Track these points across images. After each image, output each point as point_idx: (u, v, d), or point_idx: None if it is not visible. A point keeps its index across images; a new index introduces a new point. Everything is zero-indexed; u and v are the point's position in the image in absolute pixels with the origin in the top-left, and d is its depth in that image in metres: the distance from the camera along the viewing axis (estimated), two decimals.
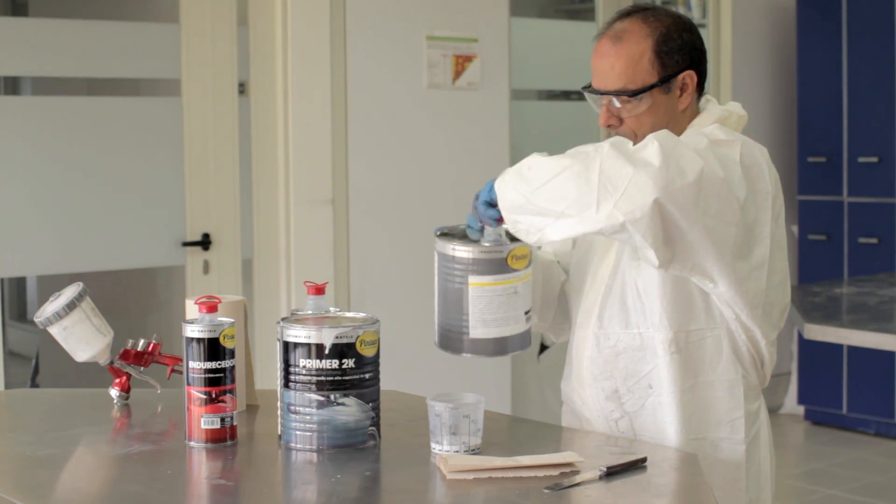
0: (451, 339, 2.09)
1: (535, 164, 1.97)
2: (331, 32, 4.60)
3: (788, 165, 6.19)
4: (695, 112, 2.19)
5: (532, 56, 5.45)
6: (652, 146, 1.92)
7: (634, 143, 2.10)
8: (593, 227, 1.92)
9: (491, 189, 2.01)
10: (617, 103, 2.13)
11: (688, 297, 2.10)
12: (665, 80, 2.12)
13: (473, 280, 2.04)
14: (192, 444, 2.03)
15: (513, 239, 2.06)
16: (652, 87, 2.11)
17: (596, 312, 2.17)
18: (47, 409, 2.46)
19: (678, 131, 2.14)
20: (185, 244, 4.45)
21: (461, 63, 4.93)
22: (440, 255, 2.08)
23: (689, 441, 2.11)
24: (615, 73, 2.12)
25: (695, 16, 6.54)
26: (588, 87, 2.18)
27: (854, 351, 5.65)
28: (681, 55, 2.14)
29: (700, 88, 2.20)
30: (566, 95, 6.45)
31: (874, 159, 5.72)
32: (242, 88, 4.56)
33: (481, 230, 2.06)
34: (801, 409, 6.08)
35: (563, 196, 1.92)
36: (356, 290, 4.69)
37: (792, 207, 6.11)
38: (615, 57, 2.12)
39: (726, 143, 2.02)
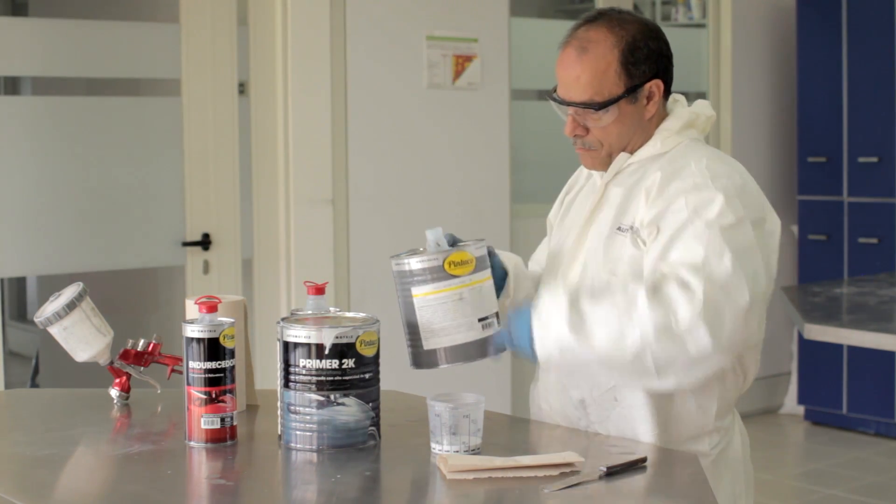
0: (414, 356, 2.09)
1: (570, 348, 1.98)
2: (331, 32, 4.60)
3: (788, 165, 6.19)
4: (662, 116, 2.18)
5: (532, 56, 5.45)
6: (698, 330, 1.93)
7: (600, 151, 2.13)
8: (655, 391, 2.04)
9: (524, 335, 2.03)
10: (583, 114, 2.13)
11: None
12: (631, 91, 2.11)
13: (416, 291, 2.04)
14: (192, 444, 2.03)
15: (454, 244, 2.07)
16: (618, 98, 2.10)
17: None
18: (47, 409, 2.46)
19: (645, 138, 2.14)
20: (185, 244, 4.45)
21: (461, 63, 4.93)
22: (393, 275, 2.08)
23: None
24: (581, 84, 2.10)
25: (694, 16, 6.54)
26: (553, 94, 2.17)
27: (854, 351, 5.65)
28: (647, 65, 2.12)
29: (667, 93, 2.19)
30: None
31: (874, 159, 5.71)
32: (242, 88, 4.56)
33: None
34: (801, 409, 6.07)
35: (618, 373, 2.00)
36: (356, 290, 4.69)
37: (792, 207, 6.11)
38: (580, 69, 2.10)
39: (737, 226, 2.00)
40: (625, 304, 1.95)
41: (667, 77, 2.16)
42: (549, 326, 1.99)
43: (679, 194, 2.04)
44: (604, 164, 2.18)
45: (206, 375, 2.01)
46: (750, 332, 1.99)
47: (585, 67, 2.10)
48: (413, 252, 2.07)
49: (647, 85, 2.12)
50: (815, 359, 5.88)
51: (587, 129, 2.14)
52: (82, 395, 2.55)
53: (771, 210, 2.12)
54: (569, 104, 2.12)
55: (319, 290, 2.12)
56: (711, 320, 1.93)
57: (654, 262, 2.02)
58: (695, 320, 1.93)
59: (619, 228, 2.11)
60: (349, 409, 1.98)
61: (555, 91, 2.17)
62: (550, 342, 1.99)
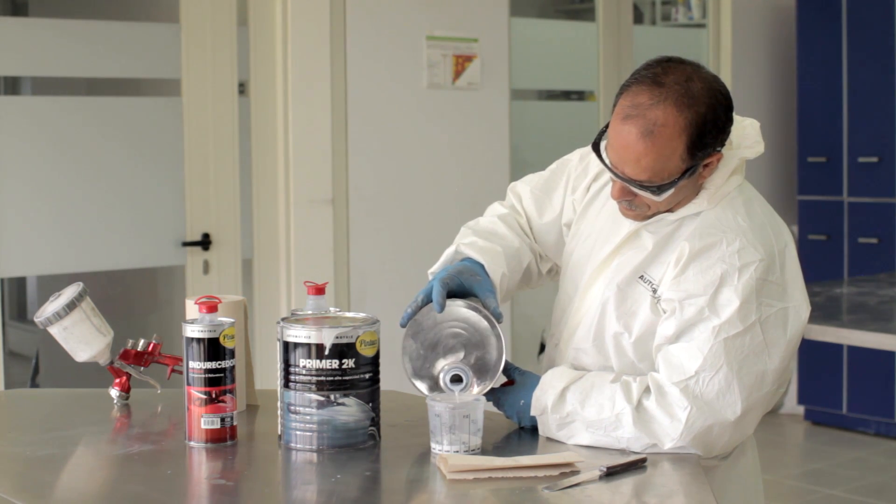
0: None
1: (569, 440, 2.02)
2: (331, 32, 4.60)
3: (788, 165, 6.19)
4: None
5: (532, 56, 5.45)
6: (685, 449, 1.96)
7: (646, 212, 2.04)
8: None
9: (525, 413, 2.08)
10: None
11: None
12: (692, 169, 1.98)
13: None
14: (192, 444, 2.03)
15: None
16: (679, 180, 1.97)
17: (573, 344, 2.15)
18: (47, 409, 2.46)
19: (692, 195, 2.04)
20: (185, 244, 4.45)
21: (461, 63, 4.93)
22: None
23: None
24: (641, 166, 1.95)
25: (694, 16, 6.54)
26: (599, 143, 2.04)
27: (854, 351, 5.65)
28: (713, 144, 1.98)
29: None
30: (566, 95, 6.45)
31: (874, 159, 5.72)
32: (242, 88, 4.57)
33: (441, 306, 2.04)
34: (801, 409, 6.08)
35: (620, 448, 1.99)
36: (356, 290, 4.69)
37: (792, 207, 6.11)
38: (643, 151, 1.94)
39: (744, 334, 1.96)
40: (611, 421, 1.98)
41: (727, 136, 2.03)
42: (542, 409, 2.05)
43: (700, 282, 1.98)
44: (647, 219, 2.08)
45: (206, 375, 2.01)
46: (750, 426, 2.05)
47: (649, 151, 1.94)
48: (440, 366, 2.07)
49: (709, 158, 2.00)
50: (815, 359, 5.88)
51: (635, 195, 2.01)
52: (82, 395, 2.54)
53: (798, 291, 2.03)
54: (623, 179, 1.98)
55: (319, 290, 2.12)
56: (697, 440, 1.96)
57: (660, 345, 2.02)
58: (679, 444, 1.96)
59: (641, 277, 2.06)
60: (349, 409, 1.98)
61: (600, 136, 2.04)
62: (550, 431, 2.05)
